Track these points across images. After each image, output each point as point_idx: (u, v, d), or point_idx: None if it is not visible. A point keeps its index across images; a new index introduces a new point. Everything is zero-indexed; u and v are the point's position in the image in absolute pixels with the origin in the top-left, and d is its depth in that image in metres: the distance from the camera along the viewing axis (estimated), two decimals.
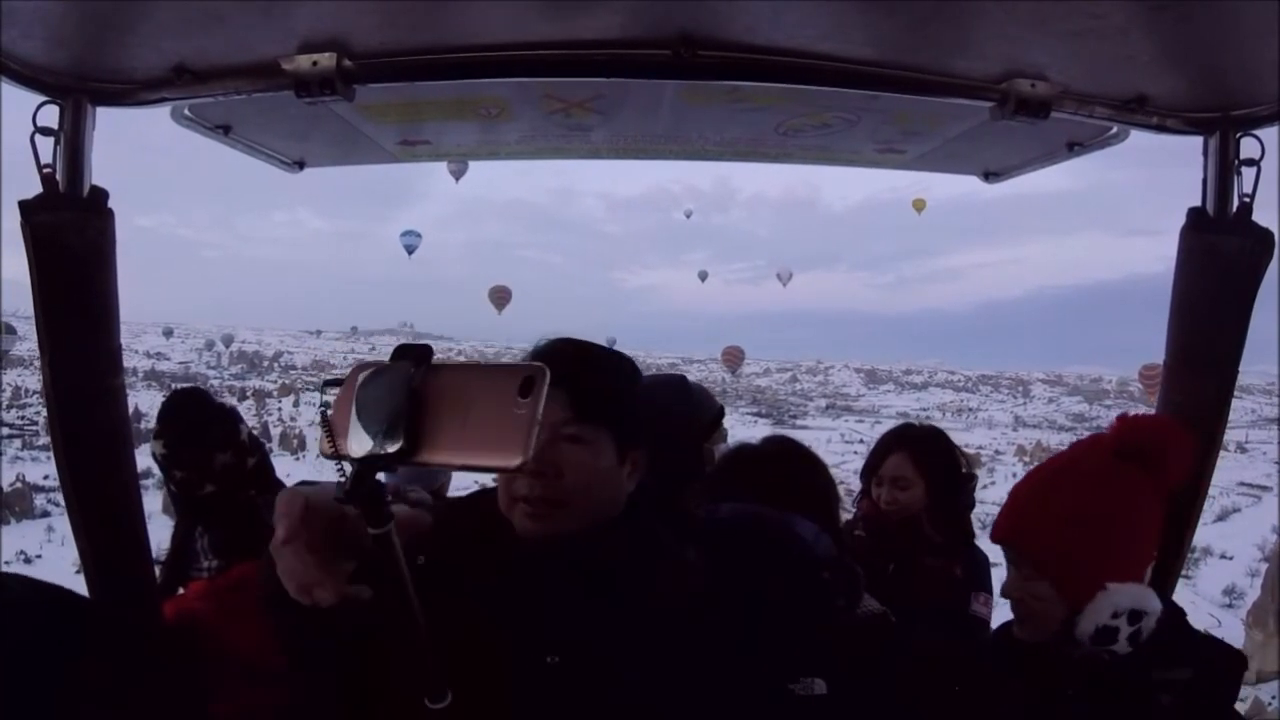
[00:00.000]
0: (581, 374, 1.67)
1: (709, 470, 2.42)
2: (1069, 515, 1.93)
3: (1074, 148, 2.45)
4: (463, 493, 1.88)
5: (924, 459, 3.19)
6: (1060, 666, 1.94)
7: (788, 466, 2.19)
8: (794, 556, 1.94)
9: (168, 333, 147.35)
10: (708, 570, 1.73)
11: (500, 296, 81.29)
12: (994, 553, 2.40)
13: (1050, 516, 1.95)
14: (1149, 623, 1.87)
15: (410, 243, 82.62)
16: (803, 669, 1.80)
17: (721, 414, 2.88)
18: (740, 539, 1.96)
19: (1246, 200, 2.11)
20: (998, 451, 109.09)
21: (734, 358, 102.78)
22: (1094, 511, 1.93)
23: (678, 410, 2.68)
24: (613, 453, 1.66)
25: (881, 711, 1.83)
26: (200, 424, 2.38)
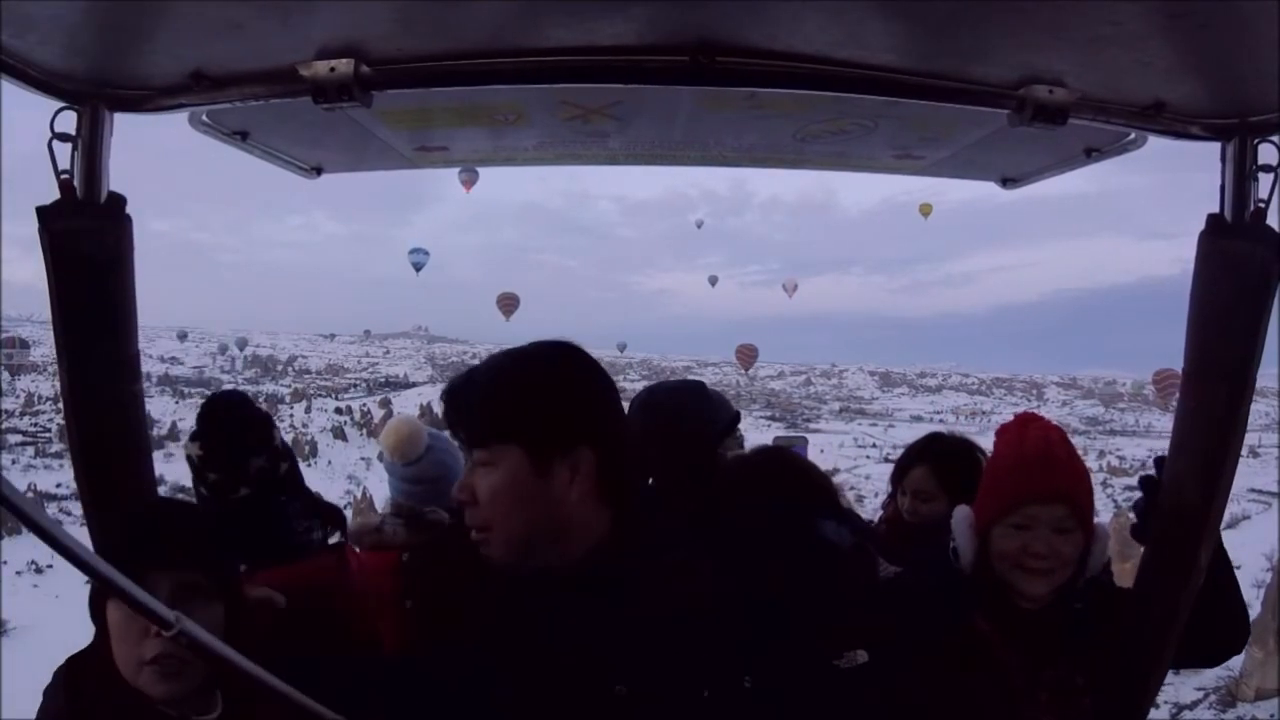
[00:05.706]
0: (470, 405, 1.74)
1: (714, 479, 2.52)
2: (1084, 472, 2.29)
3: (1092, 154, 2.44)
4: None
5: (948, 474, 3.16)
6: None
7: (781, 472, 2.37)
8: (824, 552, 2.12)
9: (182, 336, 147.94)
10: (743, 573, 1.82)
11: (507, 304, 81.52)
12: None
13: (1083, 474, 2.29)
14: None
15: (418, 260, 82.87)
16: (845, 644, 1.95)
17: (737, 419, 2.90)
18: (773, 542, 2.09)
19: (1262, 206, 2.10)
20: None
21: (748, 356, 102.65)
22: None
23: (693, 414, 2.72)
24: (527, 466, 1.65)
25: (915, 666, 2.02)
26: (239, 428, 2.38)
